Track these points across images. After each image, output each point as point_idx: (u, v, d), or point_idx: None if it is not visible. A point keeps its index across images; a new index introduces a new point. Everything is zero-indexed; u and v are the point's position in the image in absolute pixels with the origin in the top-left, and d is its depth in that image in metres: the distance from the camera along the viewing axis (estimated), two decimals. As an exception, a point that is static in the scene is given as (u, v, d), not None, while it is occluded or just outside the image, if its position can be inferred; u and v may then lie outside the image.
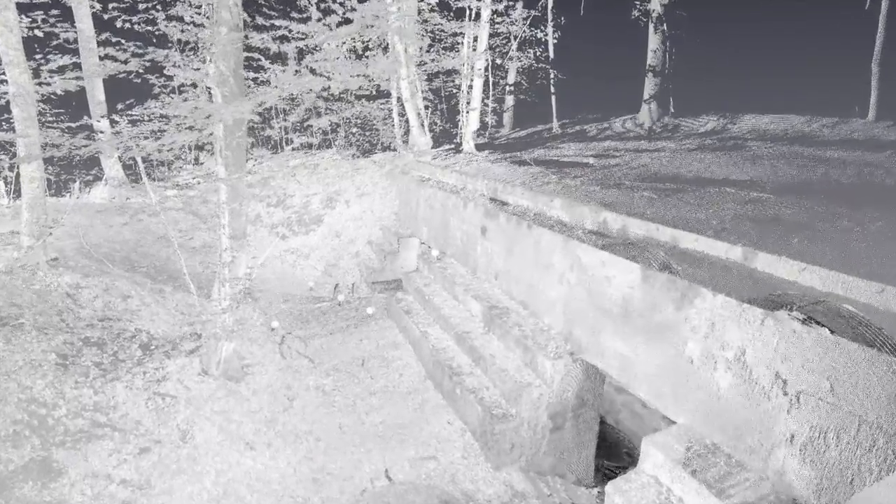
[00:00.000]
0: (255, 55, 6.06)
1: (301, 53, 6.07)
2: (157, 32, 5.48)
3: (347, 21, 6.25)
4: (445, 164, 9.46)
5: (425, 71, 11.66)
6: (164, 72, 5.69)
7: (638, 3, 13.93)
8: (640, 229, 5.09)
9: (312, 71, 5.68)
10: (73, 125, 6.89)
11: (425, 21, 10.29)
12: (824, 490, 3.07)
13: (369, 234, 9.81)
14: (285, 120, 10.65)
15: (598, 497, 5.24)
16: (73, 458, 4.46)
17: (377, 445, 5.27)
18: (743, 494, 3.40)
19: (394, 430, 5.51)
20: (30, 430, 4.51)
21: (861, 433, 2.89)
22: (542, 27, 14.83)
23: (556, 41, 14.95)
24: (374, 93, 11.72)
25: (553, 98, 15.15)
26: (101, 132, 9.72)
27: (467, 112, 10.95)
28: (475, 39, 10.79)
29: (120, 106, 6.03)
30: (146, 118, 5.88)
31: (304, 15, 6.17)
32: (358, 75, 5.50)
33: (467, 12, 10.88)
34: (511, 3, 12.65)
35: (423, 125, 11.03)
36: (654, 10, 13.26)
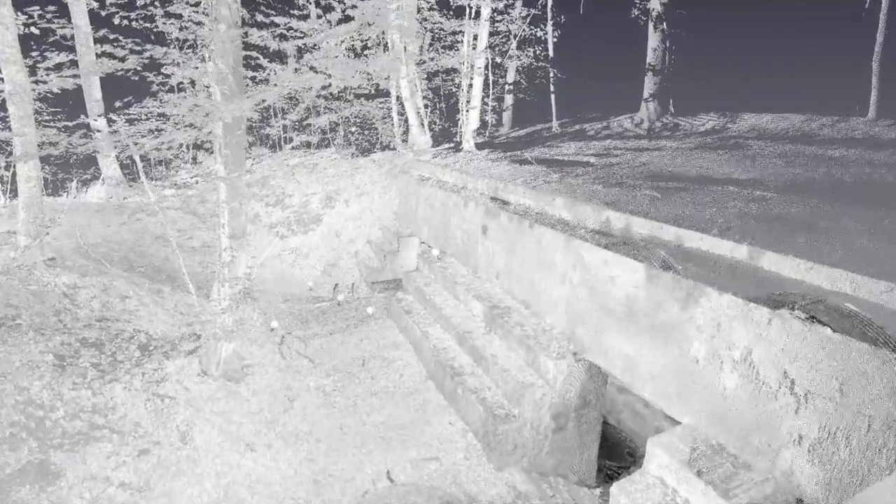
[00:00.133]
0: (254, 53, 6.00)
1: (300, 52, 6.02)
2: (155, 29, 5.41)
3: (347, 19, 6.20)
4: (445, 163, 9.42)
5: (424, 70, 11.62)
6: (163, 70, 5.63)
7: (637, 1, 13.90)
8: (644, 228, 5.05)
9: (312, 69, 5.63)
10: (69, 124, 6.82)
11: (425, 20, 10.24)
12: (834, 491, 3.04)
13: (369, 234, 9.76)
14: (284, 119, 10.59)
15: (601, 497, 5.21)
16: (71, 460, 4.40)
17: (378, 446, 5.22)
18: (749, 495, 3.36)
19: (395, 430, 5.47)
20: (27, 433, 4.45)
21: (871, 433, 2.86)
22: (541, 26, 14.80)
23: (555, 40, 14.92)
24: (373, 92, 11.66)
25: (552, 97, 15.12)
26: (98, 131, 9.64)
27: (467, 111, 10.91)
28: (475, 38, 10.74)
29: (118, 104, 5.97)
30: (144, 117, 5.82)
31: (304, 12, 6.12)
32: (359, 72, 5.45)
33: (467, 10, 10.83)
34: (511, 1, 12.61)
35: (422, 124, 10.98)
36: (653, 9, 13.24)
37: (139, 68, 5.67)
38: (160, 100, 5.77)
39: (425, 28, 10.74)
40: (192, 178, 11.02)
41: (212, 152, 6.22)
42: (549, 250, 5.52)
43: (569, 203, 6.07)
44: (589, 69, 17.64)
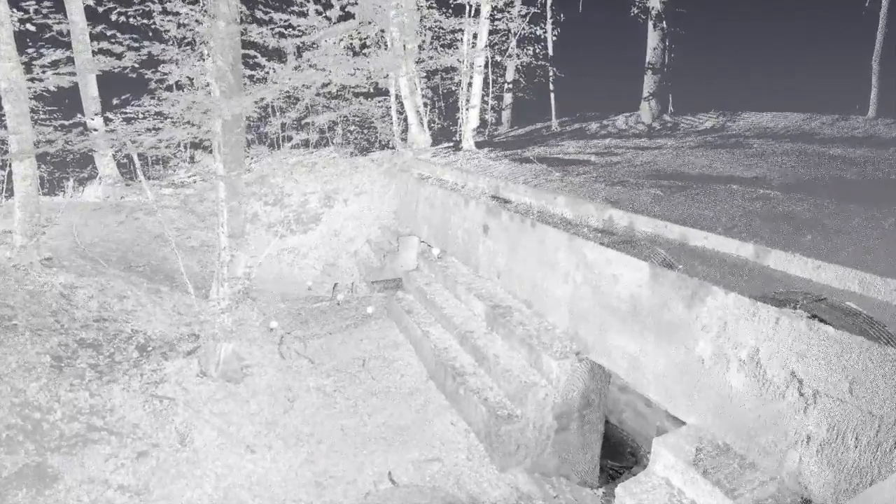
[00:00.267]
0: (252, 52, 5.94)
1: (299, 50, 5.96)
2: (152, 26, 5.35)
3: (347, 16, 6.14)
4: (445, 161, 9.37)
5: (424, 68, 11.56)
6: (160, 67, 5.56)
7: (637, 0, 13.87)
8: (647, 226, 5.01)
9: (312, 66, 5.57)
10: (66, 122, 6.74)
11: (424, 17, 10.19)
12: (843, 492, 3.00)
13: (368, 233, 9.71)
14: (283, 117, 10.52)
15: (604, 498, 5.17)
16: (69, 463, 4.34)
17: (380, 447, 5.17)
18: (756, 496, 3.33)
19: (396, 431, 5.42)
20: (23, 435, 4.39)
21: (881, 434, 2.82)
22: (541, 24, 14.77)
23: (555, 38, 14.89)
24: (372, 90, 11.60)
25: (552, 95, 15.09)
26: (95, 129, 9.57)
27: (467, 109, 10.86)
28: (474, 36, 10.69)
29: (115, 101, 5.90)
30: (141, 115, 5.74)
31: (303, 9, 6.06)
32: (358, 69, 5.39)
33: (467, 8, 10.78)
34: (510, -1, 12.58)
35: (421, 123, 10.93)
36: (653, 8, 13.21)
37: (136, 65, 5.61)
38: (158, 97, 5.70)
39: (424, 26, 10.68)
40: (190, 176, 10.96)
41: (210, 151, 6.16)
42: (551, 249, 5.48)
43: (571, 201, 6.03)
44: (588, 68, 17.64)
